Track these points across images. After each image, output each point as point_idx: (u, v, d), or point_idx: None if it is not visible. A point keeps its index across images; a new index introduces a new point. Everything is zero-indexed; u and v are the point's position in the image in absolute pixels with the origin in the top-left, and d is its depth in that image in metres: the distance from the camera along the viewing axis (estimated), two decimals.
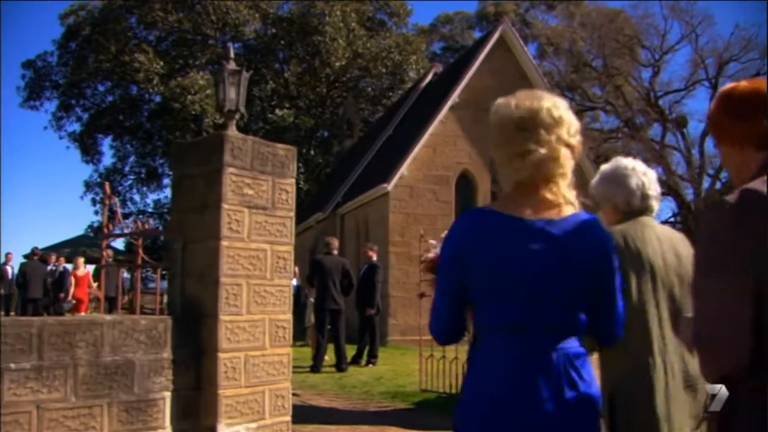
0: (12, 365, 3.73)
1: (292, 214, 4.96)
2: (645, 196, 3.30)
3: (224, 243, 4.49)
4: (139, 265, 6.44)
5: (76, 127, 46.04)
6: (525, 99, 2.40)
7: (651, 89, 36.11)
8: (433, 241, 3.98)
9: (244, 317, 4.61)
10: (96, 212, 47.49)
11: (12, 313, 22.01)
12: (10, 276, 22.05)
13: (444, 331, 2.47)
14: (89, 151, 46.42)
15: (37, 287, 19.31)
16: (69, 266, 21.38)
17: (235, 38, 43.06)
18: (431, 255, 4.41)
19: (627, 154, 36.07)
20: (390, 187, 19.04)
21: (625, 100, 35.39)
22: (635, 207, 3.28)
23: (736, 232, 1.87)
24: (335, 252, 12.52)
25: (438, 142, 19.69)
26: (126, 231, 6.25)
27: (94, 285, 19.11)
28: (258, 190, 4.70)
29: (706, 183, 35.17)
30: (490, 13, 47.13)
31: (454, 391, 9.62)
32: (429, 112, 20.73)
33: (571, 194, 2.38)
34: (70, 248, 37.25)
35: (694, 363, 2.89)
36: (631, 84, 36.68)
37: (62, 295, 19.14)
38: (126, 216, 47.89)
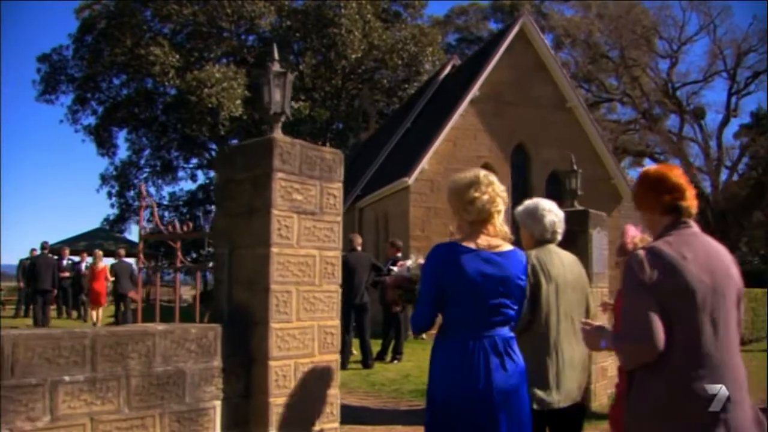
0: (66, 378, 3.68)
1: (340, 218, 4.89)
2: (554, 232, 4.67)
3: (274, 249, 4.42)
4: (179, 267, 6.37)
5: (92, 120, 46.09)
6: (470, 171, 3.87)
7: (669, 80, 35.84)
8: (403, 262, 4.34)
9: (293, 324, 4.54)
10: (112, 205, 47.65)
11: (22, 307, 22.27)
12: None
13: (423, 327, 3.65)
14: (105, 144, 46.47)
15: (47, 279, 18.98)
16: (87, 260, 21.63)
17: (250, 31, 43.04)
18: (404, 274, 4.68)
19: (645, 146, 36.00)
20: (411, 181, 18.94)
21: (642, 91, 35.17)
22: (546, 238, 4.62)
23: (643, 272, 3.00)
24: (359, 248, 12.43)
25: (458, 136, 19.56)
26: (154, 228, 6.16)
27: (111, 279, 19.55)
28: (306, 195, 4.62)
29: (723, 175, 34.93)
30: (506, 4, 46.86)
31: None
32: (449, 106, 20.58)
33: (506, 228, 3.65)
34: (86, 241, 37.36)
35: (577, 349, 4.36)
36: (649, 75, 36.42)
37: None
38: (141, 208, 47.91)
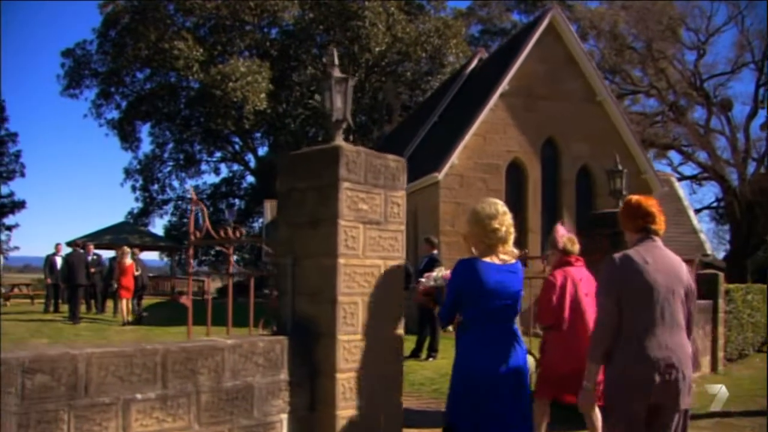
0: (138, 396, 3.62)
1: (403, 227, 4.79)
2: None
3: (341, 261, 4.34)
4: (231, 274, 6.29)
5: (115, 114, 46.35)
6: (489, 205, 4.64)
7: (696, 72, 35.46)
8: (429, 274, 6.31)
9: (359, 336, 4.46)
10: (137, 199, 47.83)
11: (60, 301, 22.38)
12: (59, 266, 22.17)
13: (447, 322, 4.79)
14: (128, 138, 46.71)
15: (81, 275, 19.92)
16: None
17: (272, 24, 43.01)
18: (431, 284, 6.52)
19: (672, 138, 35.67)
20: (440, 176, 18.84)
21: (669, 83, 34.79)
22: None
23: (613, 274, 4.16)
24: None
25: (488, 130, 19.42)
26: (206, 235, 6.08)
27: (137, 273, 20.42)
28: (372, 204, 4.53)
29: (751, 167, 34.52)
30: None
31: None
32: (478, 99, 20.43)
33: (514, 249, 4.66)
34: (112, 235, 37.63)
35: None
36: (675, 67, 36.04)
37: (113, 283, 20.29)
38: (165, 202, 48.27)
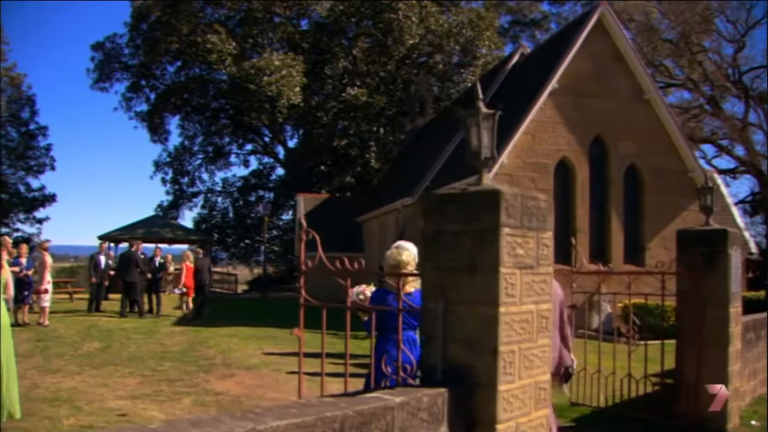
0: None
1: (551, 269, 4.64)
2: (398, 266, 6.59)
3: (501, 309, 4.19)
4: (349, 307, 6.15)
5: (145, 107, 46.34)
6: (399, 252, 6.23)
7: (734, 65, 35.01)
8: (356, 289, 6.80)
9: (516, 385, 4.33)
10: (167, 192, 47.87)
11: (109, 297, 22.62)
12: (102, 265, 22.18)
13: (368, 331, 5.88)
14: (157, 130, 46.70)
15: (133, 272, 21.22)
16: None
17: (302, 15, 42.85)
18: (361, 297, 6.91)
19: (711, 133, 35.30)
20: (490, 175, 18.57)
21: (706, 76, 34.37)
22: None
23: None
24: None
25: (537, 129, 19.23)
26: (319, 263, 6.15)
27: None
28: (526, 248, 4.39)
29: None
30: None
31: (608, 403, 9.33)
32: (525, 97, 20.23)
33: (416, 281, 5.80)
34: (144, 228, 37.70)
35: None
36: (711, 59, 35.61)
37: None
38: (195, 195, 48.33)
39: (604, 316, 19.23)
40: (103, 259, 22.40)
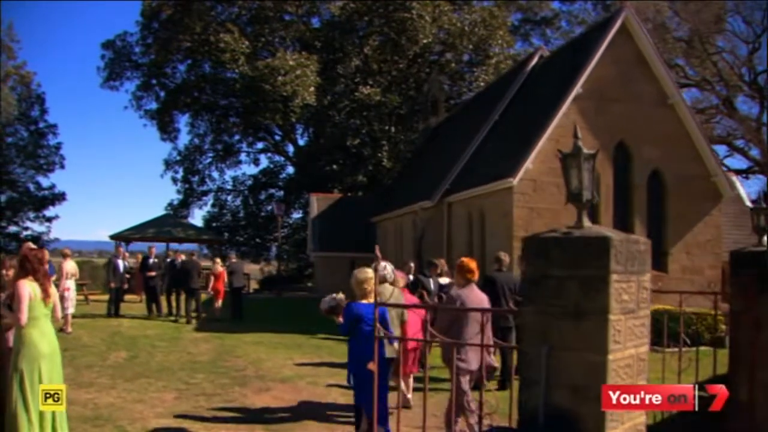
0: None
1: (649, 312, 4.57)
2: (385, 278, 9.13)
3: (609, 357, 4.14)
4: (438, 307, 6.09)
5: (155, 105, 46.28)
6: (362, 272, 8.11)
7: (749, 65, 34.87)
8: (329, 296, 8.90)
9: (618, 430, 4.27)
10: (178, 191, 47.79)
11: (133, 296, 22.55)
12: (121, 270, 22.11)
13: (346, 333, 8.13)
14: (166, 128, 46.62)
15: (195, 280, 22.15)
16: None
17: (312, 13, 42.73)
18: (332, 304, 8.80)
19: (726, 134, 35.18)
20: (515, 181, 18.59)
21: (721, 76, 34.24)
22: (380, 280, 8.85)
23: (454, 302, 8.65)
24: (505, 269, 12.10)
25: (561, 134, 19.10)
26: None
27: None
28: (629, 293, 4.33)
29: None
30: None
31: (650, 421, 9.23)
32: (548, 101, 20.17)
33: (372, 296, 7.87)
34: (155, 228, 37.57)
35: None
36: (725, 59, 35.48)
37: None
38: (204, 193, 48.26)
39: None
40: (121, 263, 22.30)
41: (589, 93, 19.31)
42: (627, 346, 4.31)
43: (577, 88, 19.16)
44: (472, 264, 8.28)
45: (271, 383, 12.16)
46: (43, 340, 7.16)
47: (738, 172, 37.98)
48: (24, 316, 6.98)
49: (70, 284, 18.50)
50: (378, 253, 12.02)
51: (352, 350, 8.07)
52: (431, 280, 14.11)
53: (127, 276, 23.89)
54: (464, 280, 8.17)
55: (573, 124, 18.67)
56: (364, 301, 7.90)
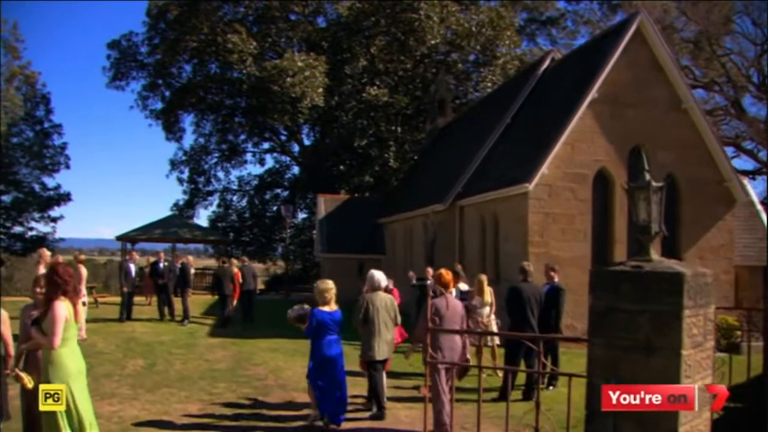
0: None
1: (713, 343, 4.54)
2: (380, 285, 10.54)
3: None
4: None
5: (160, 105, 46.18)
6: (323, 283, 9.98)
7: (757, 66, 34.80)
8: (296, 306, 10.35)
9: None
10: (185, 192, 47.73)
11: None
12: (132, 274, 22.10)
13: (312, 337, 9.72)
14: (172, 128, 46.55)
15: (228, 287, 22.55)
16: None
17: (317, 12, 42.66)
18: (299, 312, 10.04)
19: (736, 137, 35.12)
20: (531, 186, 18.53)
21: (729, 77, 34.17)
22: (375, 288, 10.52)
23: (431, 309, 8.62)
24: (530, 279, 12.05)
25: (576, 139, 19.08)
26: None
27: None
28: (698, 326, 4.32)
29: None
30: None
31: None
32: (562, 106, 20.10)
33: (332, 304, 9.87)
34: (162, 228, 37.56)
35: (389, 333, 10.46)
36: (733, 60, 35.41)
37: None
38: (210, 193, 48.20)
39: None
40: (133, 267, 22.34)
41: (604, 97, 19.24)
42: (695, 379, 4.30)
43: (593, 93, 19.07)
44: (448, 277, 9.65)
45: (294, 393, 12.14)
46: (72, 359, 6.93)
47: (745, 173, 38.01)
48: (58, 340, 6.68)
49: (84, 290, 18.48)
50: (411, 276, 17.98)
51: (315, 349, 9.72)
52: (454, 291, 14.09)
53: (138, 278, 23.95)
54: (441, 289, 9.60)
55: (588, 129, 18.70)
56: (326, 308, 9.66)
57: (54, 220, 46.55)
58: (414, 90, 41.41)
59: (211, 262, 54.92)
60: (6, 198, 44.93)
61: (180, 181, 47.75)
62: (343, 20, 40.45)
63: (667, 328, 4.12)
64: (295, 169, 48.81)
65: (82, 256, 19.79)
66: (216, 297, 23.81)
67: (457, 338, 9.07)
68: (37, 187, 45.95)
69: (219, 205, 48.56)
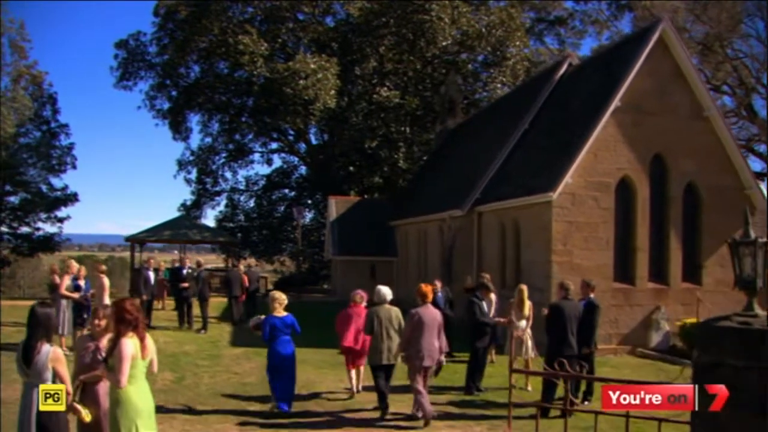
0: None
1: None
2: (384, 299, 11.91)
3: None
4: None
5: (167, 105, 46.08)
6: (279, 294, 11.98)
7: (766, 68, 34.71)
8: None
9: None
10: (192, 192, 47.67)
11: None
12: (152, 281, 21.99)
13: (268, 339, 11.58)
14: (179, 128, 46.48)
15: (238, 289, 23.84)
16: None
17: (326, 12, 42.58)
18: (257, 322, 11.90)
19: (747, 140, 35.09)
20: (555, 195, 18.52)
21: (741, 79, 34.14)
22: (380, 301, 11.88)
23: (413, 317, 11.33)
24: (571, 297, 12.03)
25: (599, 147, 19.08)
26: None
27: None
28: None
29: None
30: None
31: None
32: (584, 114, 20.11)
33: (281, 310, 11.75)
34: (171, 230, 37.49)
35: (394, 341, 11.56)
36: (743, 61, 35.36)
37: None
38: (218, 193, 48.15)
39: (662, 335, 19.16)
40: (152, 274, 22.20)
41: (626, 106, 19.23)
42: None
43: (616, 101, 19.07)
44: (427, 289, 11.46)
45: (331, 409, 12.12)
46: (140, 397, 6.74)
47: (757, 176, 37.97)
48: (125, 379, 6.51)
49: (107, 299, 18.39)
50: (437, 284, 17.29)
51: (271, 349, 11.53)
52: (485, 303, 14.10)
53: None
54: (421, 300, 11.26)
55: (611, 137, 18.68)
56: (277, 314, 11.48)
57: (61, 220, 46.38)
58: (423, 91, 41.34)
59: (214, 258, 55.00)
60: (14, 199, 44.80)
61: (188, 181, 47.76)
62: (352, 21, 40.39)
63: None
64: (303, 169, 48.88)
65: (103, 267, 19.72)
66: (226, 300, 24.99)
67: (436, 342, 11.12)
68: (44, 187, 45.80)
69: (226, 205, 48.55)
